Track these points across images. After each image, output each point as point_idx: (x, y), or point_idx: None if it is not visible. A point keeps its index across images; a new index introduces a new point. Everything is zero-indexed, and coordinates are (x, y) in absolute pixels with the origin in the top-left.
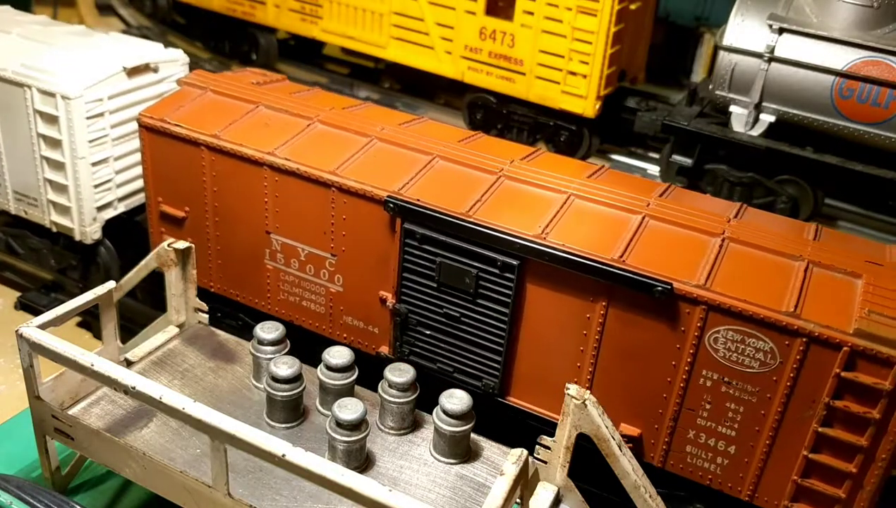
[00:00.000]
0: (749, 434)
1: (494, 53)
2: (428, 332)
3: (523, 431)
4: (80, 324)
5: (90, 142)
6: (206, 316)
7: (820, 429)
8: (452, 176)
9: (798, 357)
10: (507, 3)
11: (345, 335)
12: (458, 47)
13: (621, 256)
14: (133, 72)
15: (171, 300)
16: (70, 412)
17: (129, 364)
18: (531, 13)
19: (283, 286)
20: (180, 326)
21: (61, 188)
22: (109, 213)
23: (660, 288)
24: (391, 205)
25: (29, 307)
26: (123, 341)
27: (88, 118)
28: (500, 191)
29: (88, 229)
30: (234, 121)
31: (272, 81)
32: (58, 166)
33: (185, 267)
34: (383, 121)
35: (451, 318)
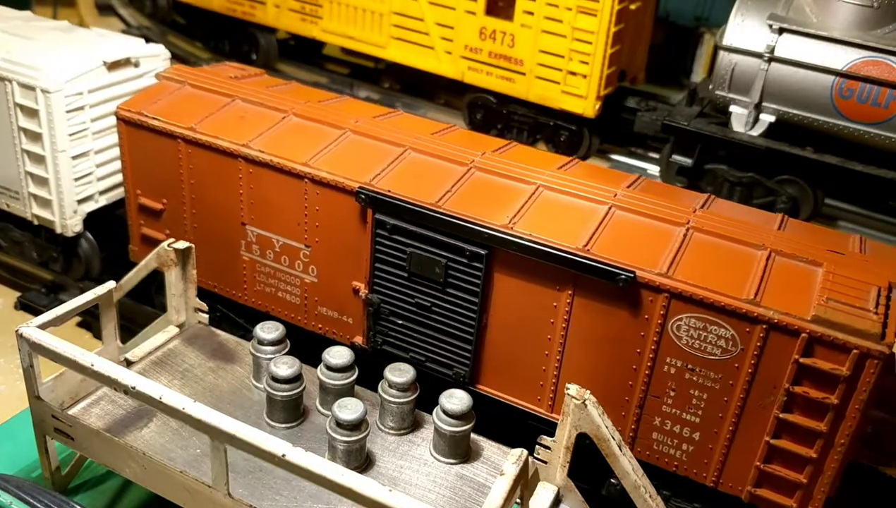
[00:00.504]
0: (713, 421)
1: (494, 53)
2: (400, 322)
3: (495, 418)
4: (80, 324)
5: (70, 135)
6: (206, 316)
7: (781, 415)
8: (424, 167)
9: (758, 344)
10: (507, 3)
11: (320, 325)
12: (458, 47)
13: (586, 245)
14: (113, 66)
15: (171, 300)
16: (70, 412)
17: (129, 364)
18: (531, 13)
19: (258, 277)
20: (180, 326)
21: (42, 181)
22: (90, 206)
23: (623, 277)
24: (362, 196)
25: (29, 307)
26: (123, 341)
27: (68, 112)
28: (471, 182)
29: (69, 222)
30: (210, 114)
31: (250, 75)
32: (38, 159)
33: (185, 267)
34: (358, 113)
35: (422, 308)
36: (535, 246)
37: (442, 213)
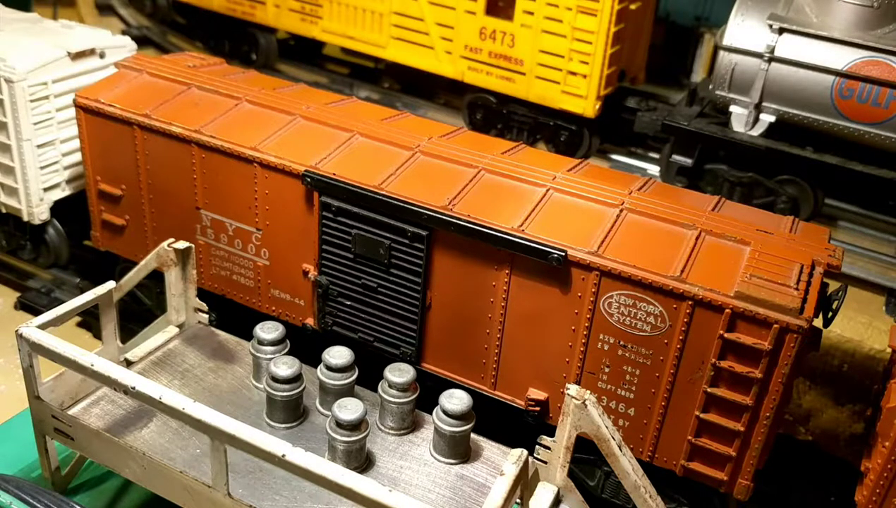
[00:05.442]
0: (646, 397)
1: (494, 53)
2: (348, 303)
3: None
4: (80, 324)
5: (35, 124)
6: (206, 316)
7: (709, 390)
8: (370, 151)
9: (685, 320)
10: (507, 3)
11: (273, 308)
12: (458, 47)
13: (521, 226)
14: (78, 56)
15: (171, 300)
16: (70, 412)
17: (129, 364)
18: (531, 13)
19: (214, 261)
20: (180, 326)
21: (8, 170)
22: (57, 194)
23: (555, 255)
24: (308, 179)
25: (29, 307)
26: (123, 341)
27: (32, 101)
28: (415, 166)
29: (36, 210)
30: (165, 101)
31: (209, 65)
32: (4, 148)
33: (184, 267)
34: (311, 100)
35: (369, 288)
36: (471, 226)
37: (384, 196)
